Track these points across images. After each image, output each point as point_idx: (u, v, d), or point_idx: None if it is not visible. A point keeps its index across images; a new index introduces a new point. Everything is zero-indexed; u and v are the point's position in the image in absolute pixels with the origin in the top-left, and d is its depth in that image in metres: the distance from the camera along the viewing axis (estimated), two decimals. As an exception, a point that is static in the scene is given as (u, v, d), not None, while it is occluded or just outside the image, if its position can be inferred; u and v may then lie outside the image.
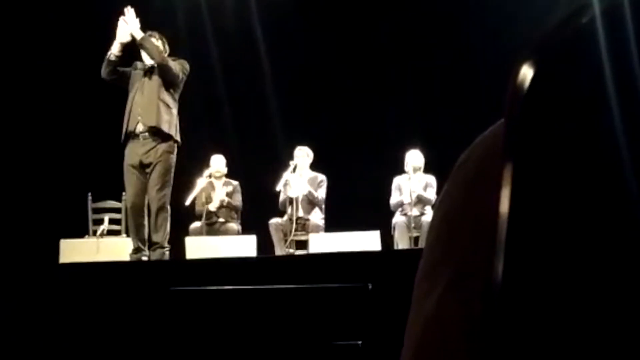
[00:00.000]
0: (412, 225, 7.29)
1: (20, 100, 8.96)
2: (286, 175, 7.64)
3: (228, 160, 8.14)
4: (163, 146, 6.05)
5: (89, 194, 7.99)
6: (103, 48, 9.12)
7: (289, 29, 9.09)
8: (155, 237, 6.10)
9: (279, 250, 7.45)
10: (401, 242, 7.46)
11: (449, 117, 8.46)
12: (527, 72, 0.38)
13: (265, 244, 7.43)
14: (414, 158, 7.60)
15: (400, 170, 7.72)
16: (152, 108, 6.00)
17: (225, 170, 8.02)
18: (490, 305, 0.36)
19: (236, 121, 9.37)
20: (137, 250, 6.09)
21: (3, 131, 8.83)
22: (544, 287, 0.36)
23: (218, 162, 7.98)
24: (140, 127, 6.03)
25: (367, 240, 6.66)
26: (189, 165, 8.38)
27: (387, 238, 7.44)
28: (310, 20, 9.13)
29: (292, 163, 7.68)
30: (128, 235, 7.58)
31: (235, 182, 8.03)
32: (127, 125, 6.02)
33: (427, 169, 7.69)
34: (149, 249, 6.08)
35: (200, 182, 7.81)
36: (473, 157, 0.46)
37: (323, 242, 6.77)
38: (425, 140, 7.80)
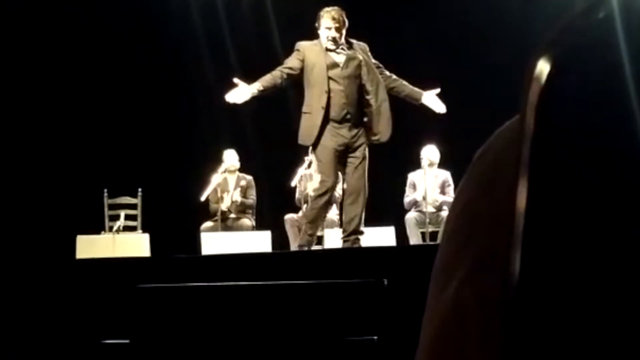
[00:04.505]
0: (428, 220, 7.29)
1: (37, 96, 9.01)
2: (301, 171, 7.64)
3: (243, 155, 8.16)
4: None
5: (105, 190, 8.02)
6: (120, 47, 9.16)
7: (305, 24, 9.08)
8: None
9: (294, 245, 7.46)
10: (412, 237, 7.45)
11: (465, 112, 8.43)
12: (543, 67, 0.38)
13: (279, 239, 7.44)
14: (430, 153, 7.60)
15: (415, 166, 7.71)
16: None
17: (238, 165, 8.03)
18: (508, 300, 0.36)
19: (252, 116, 9.38)
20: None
21: (21, 128, 8.89)
22: (563, 282, 0.35)
23: (231, 157, 7.99)
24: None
25: (382, 236, 6.67)
26: (203, 161, 8.41)
27: (402, 234, 7.44)
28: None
29: (307, 159, 7.67)
30: (144, 231, 7.63)
31: (249, 177, 8.03)
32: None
33: (443, 164, 7.68)
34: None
35: (216, 178, 7.83)
36: (490, 150, 0.46)
37: (338, 238, 6.77)
38: (441, 136, 7.78)
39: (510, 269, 0.36)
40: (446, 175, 7.64)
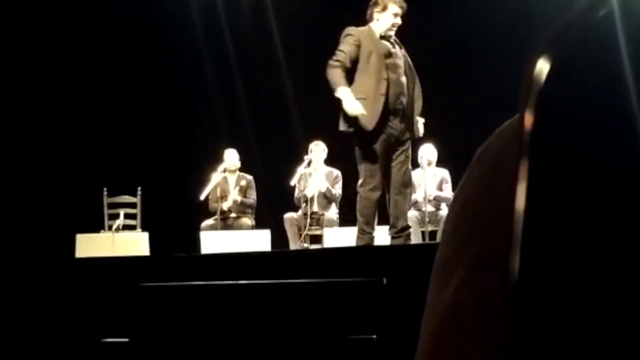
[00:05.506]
0: (427, 220, 7.29)
1: (36, 96, 9.01)
2: (301, 170, 7.64)
3: (243, 154, 8.17)
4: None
5: (105, 188, 8.03)
6: (120, 46, 9.16)
7: (305, 23, 9.09)
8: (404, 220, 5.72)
9: (294, 244, 7.47)
10: (412, 236, 7.45)
11: (463, 111, 8.43)
12: (543, 66, 0.38)
13: (279, 238, 7.45)
14: (428, 152, 7.60)
15: (414, 165, 7.71)
16: None
17: (238, 164, 8.04)
18: (508, 299, 0.36)
19: (251, 115, 9.39)
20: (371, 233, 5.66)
21: (21, 127, 8.89)
22: (562, 281, 0.35)
23: (232, 157, 8.00)
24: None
25: (382, 235, 6.66)
26: (203, 160, 8.41)
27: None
28: (327, 16, 9.12)
29: (306, 158, 7.68)
30: (143, 230, 7.63)
31: (250, 177, 8.04)
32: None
33: (441, 163, 7.70)
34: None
35: (215, 177, 7.84)
36: (491, 149, 0.46)
37: (338, 237, 6.77)
38: (439, 134, 7.79)
39: (510, 268, 0.36)
40: (444, 173, 7.66)
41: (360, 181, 5.61)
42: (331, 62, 5.52)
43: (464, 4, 8.69)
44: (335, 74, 5.48)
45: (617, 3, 0.38)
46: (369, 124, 5.43)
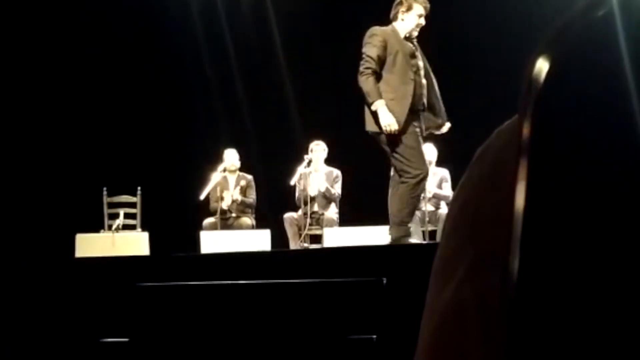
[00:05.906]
0: (427, 219, 7.29)
1: (36, 96, 9.01)
2: (300, 169, 7.64)
3: (243, 154, 8.17)
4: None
5: (104, 188, 8.03)
6: (120, 46, 9.16)
7: (305, 24, 9.08)
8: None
9: (294, 244, 7.46)
10: (414, 236, 7.46)
11: (462, 110, 8.43)
12: (542, 66, 0.38)
13: (279, 238, 7.45)
14: (428, 151, 7.61)
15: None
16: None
17: (238, 164, 8.05)
18: (507, 299, 0.36)
19: (251, 115, 9.38)
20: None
21: (21, 127, 8.88)
22: (561, 281, 0.35)
23: (232, 156, 8.01)
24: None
25: (382, 235, 6.66)
26: (202, 160, 8.41)
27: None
28: (326, 17, 9.12)
29: (306, 157, 7.68)
30: (143, 230, 7.63)
31: (250, 177, 8.05)
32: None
33: (441, 163, 7.70)
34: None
35: (215, 177, 7.85)
36: (490, 149, 0.46)
37: (338, 237, 6.77)
38: (439, 134, 7.79)
39: (510, 268, 0.36)
40: (444, 172, 7.67)
41: (406, 173, 5.52)
42: (363, 70, 5.48)
43: (464, 4, 8.68)
44: (369, 85, 5.44)
45: (617, 3, 0.38)
46: (395, 124, 5.40)
